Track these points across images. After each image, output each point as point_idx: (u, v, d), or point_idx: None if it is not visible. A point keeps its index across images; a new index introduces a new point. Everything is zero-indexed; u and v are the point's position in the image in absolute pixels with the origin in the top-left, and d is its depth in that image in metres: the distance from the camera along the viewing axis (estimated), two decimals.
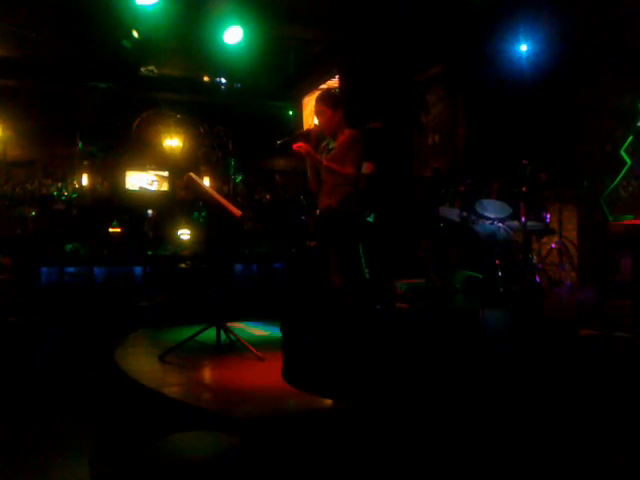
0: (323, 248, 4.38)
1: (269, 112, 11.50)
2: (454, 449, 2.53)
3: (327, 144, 4.48)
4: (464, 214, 6.13)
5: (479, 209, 6.18)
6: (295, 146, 4.27)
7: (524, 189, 6.04)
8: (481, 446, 2.53)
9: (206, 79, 10.51)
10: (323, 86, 10.33)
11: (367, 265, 4.67)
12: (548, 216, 6.43)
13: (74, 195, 9.83)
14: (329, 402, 3.11)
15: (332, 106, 4.37)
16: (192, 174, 4.69)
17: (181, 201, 10.52)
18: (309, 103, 10.69)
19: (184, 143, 11.24)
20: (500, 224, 6.08)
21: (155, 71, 10.34)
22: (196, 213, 9.75)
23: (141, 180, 10.98)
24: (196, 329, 4.49)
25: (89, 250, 8.54)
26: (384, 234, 6.63)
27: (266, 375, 3.81)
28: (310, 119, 10.69)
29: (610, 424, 2.52)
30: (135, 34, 7.37)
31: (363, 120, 5.24)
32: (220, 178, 11.18)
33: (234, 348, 4.51)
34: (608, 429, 2.50)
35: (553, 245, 6.51)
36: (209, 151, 11.24)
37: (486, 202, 6.26)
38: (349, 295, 4.21)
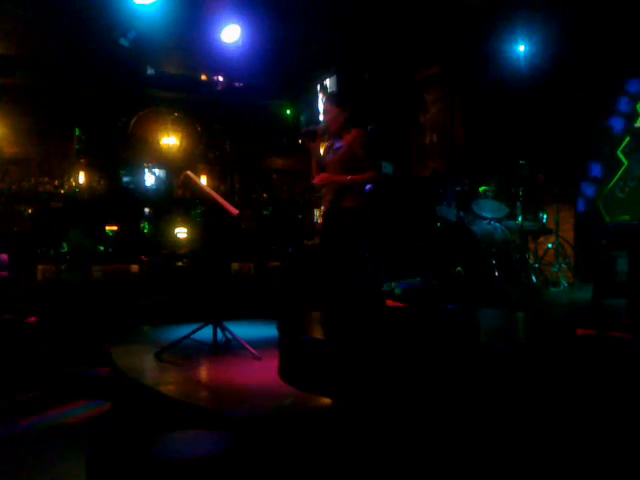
0: (329, 246, 4.38)
1: (267, 111, 11.49)
2: (452, 448, 2.54)
3: (332, 143, 4.48)
4: (461, 214, 6.15)
5: (476, 209, 6.20)
6: (316, 180, 4.37)
7: (521, 189, 6.06)
8: (479, 445, 2.53)
9: (204, 78, 10.50)
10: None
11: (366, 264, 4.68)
12: (545, 216, 6.45)
13: (71, 193, 9.82)
14: (326, 401, 3.11)
15: (338, 105, 4.40)
16: (189, 172, 4.68)
17: (178, 199, 10.51)
18: None
19: (181, 141, 11.22)
20: (497, 224, 6.10)
21: (153, 69, 10.33)
22: (193, 211, 9.75)
23: (138, 178, 10.97)
24: (193, 327, 4.48)
25: (86, 248, 8.53)
26: (382, 233, 6.64)
27: (263, 374, 3.81)
28: None
29: (608, 424, 2.53)
30: (133, 33, 7.37)
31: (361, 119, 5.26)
32: (217, 176, 11.18)
33: (231, 347, 4.51)
34: (606, 429, 2.51)
35: (550, 245, 6.52)
36: (206, 150, 11.23)
37: (483, 202, 6.28)
38: (352, 293, 4.23)
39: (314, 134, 4.44)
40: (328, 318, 4.19)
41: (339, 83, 9.80)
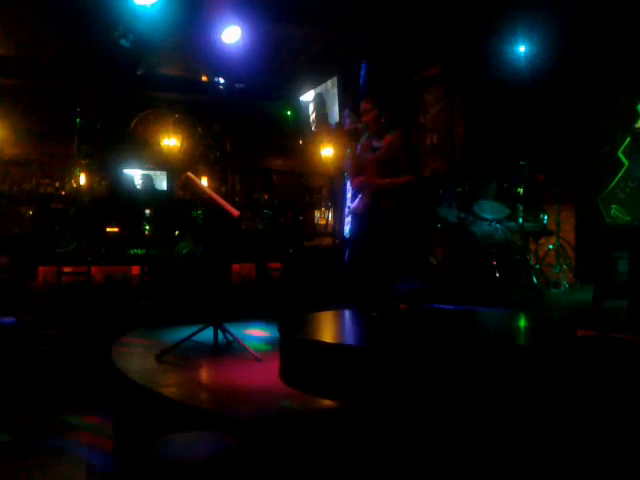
0: (364, 246, 4.41)
1: (267, 112, 11.50)
2: (453, 450, 2.54)
3: (369, 143, 4.47)
4: (462, 215, 6.15)
5: (477, 210, 6.20)
6: (355, 182, 4.40)
7: (522, 190, 6.06)
8: (480, 446, 2.53)
9: (204, 79, 10.50)
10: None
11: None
12: (545, 217, 6.44)
13: (72, 194, 9.82)
14: (326, 402, 3.11)
15: (381, 106, 4.41)
16: (190, 174, 4.68)
17: (179, 201, 10.51)
18: None
19: (182, 142, 11.22)
20: (498, 225, 6.10)
21: (153, 70, 10.33)
22: (194, 212, 9.74)
23: (139, 179, 10.98)
24: (194, 329, 4.48)
25: (87, 249, 8.52)
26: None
27: (263, 375, 3.81)
28: None
29: (608, 425, 2.53)
30: (133, 34, 7.36)
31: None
32: (218, 177, 11.19)
33: (231, 348, 4.51)
34: (606, 429, 2.51)
35: (550, 246, 6.52)
36: (207, 151, 11.24)
37: (484, 203, 6.28)
38: (382, 294, 4.27)
39: (354, 135, 4.47)
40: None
41: (339, 83, 9.80)
